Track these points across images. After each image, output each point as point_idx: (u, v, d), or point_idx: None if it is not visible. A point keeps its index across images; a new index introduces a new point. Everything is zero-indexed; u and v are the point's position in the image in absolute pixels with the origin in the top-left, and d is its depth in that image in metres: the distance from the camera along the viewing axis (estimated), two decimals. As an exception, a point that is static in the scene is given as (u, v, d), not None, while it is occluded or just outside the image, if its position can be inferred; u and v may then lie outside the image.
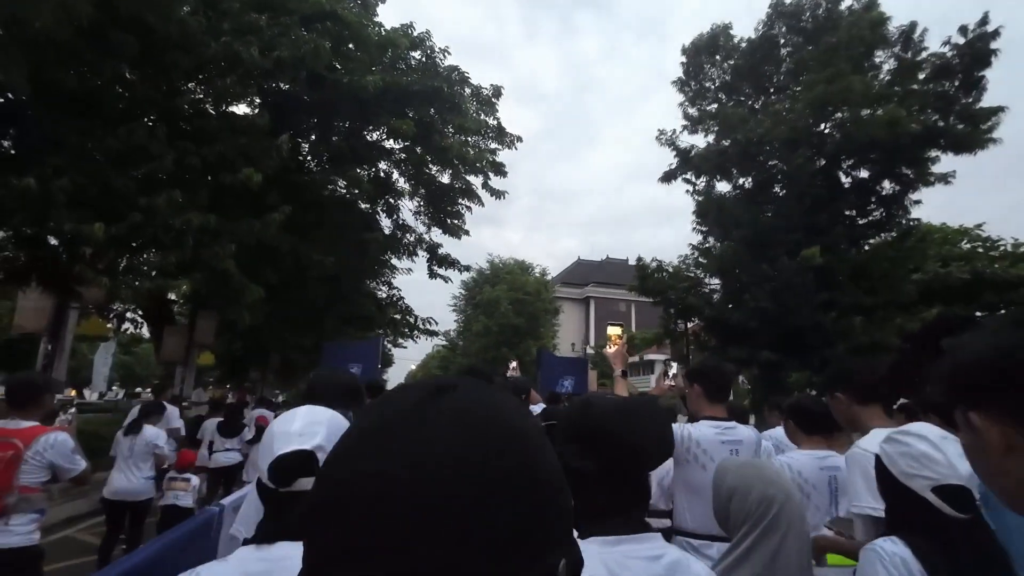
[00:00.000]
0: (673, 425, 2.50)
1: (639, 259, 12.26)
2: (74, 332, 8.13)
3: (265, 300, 12.34)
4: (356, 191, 11.83)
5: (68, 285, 7.38)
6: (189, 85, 7.77)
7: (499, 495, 0.37)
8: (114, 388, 20.89)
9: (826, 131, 10.51)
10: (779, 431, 3.40)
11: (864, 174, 11.00)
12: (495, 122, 13.34)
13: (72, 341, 8.15)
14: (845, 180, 11.08)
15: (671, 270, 12.25)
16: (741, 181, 12.41)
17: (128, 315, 11.60)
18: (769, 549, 1.35)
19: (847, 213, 10.71)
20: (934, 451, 1.23)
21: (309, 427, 1.07)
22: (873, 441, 1.80)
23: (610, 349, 3.47)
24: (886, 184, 10.80)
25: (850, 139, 9.70)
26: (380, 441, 0.39)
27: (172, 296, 13.21)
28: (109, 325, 12.27)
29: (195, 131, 7.36)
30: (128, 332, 12.24)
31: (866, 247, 10.60)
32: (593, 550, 0.96)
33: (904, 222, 10.52)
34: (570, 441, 1.06)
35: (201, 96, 7.87)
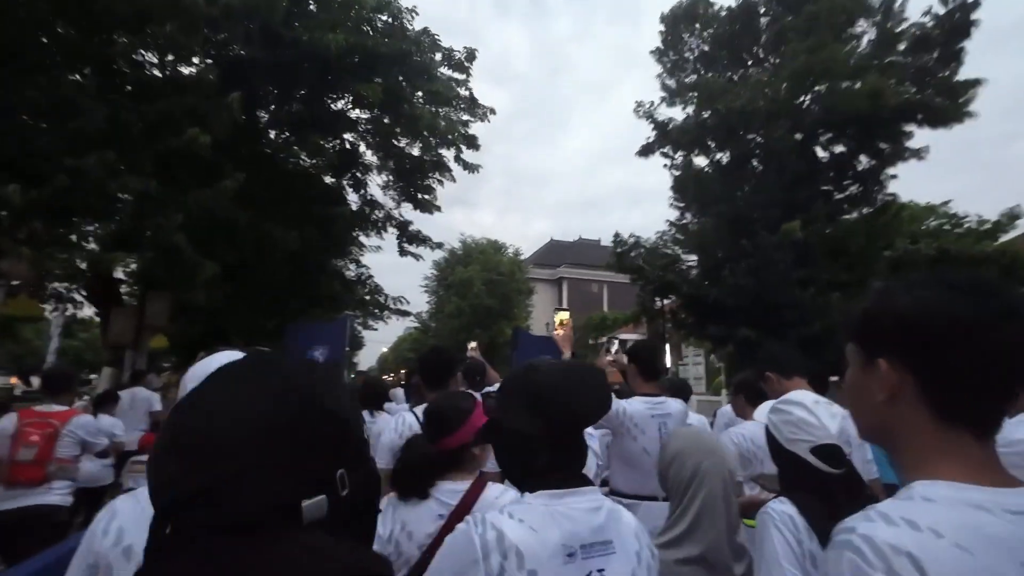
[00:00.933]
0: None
1: (616, 235, 11.96)
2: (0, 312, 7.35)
3: (224, 280, 11.74)
4: (319, 161, 11.11)
5: (-12, 260, 6.60)
6: (124, 39, 6.91)
7: (277, 432, 0.54)
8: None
9: (805, 105, 10.32)
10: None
11: (841, 149, 10.88)
12: (467, 93, 12.75)
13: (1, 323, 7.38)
14: (823, 154, 10.95)
15: (648, 247, 11.99)
16: (719, 156, 12.19)
17: (71, 295, 10.68)
18: (696, 512, 1.50)
19: (824, 188, 10.60)
20: (809, 416, 1.38)
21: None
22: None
23: (558, 333, 3.70)
24: (863, 159, 10.71)
25: (831, 111, 9.50)
26: (197, 401, 0.57)
27: (120, 275, 12.32)
28: (46, 306, 11.29)
29: (133, 86, 6.56)
30: (69, 314, 11.31)
31: (843, 222, 10.51)
32: (540, 503, 1.05)
33: (880, 197, 10.49)
34: (516, 404, 1.11)
35: (140, 49, 7.02)
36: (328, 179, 12.74)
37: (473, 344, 4.98)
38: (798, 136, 10.61)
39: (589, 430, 2.88)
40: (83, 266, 10.74)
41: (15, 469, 3.06)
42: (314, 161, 11.43)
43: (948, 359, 0.64)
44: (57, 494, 3.21)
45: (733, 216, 10.12)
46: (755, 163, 11.00)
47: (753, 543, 1.48)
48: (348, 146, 12.64)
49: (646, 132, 12.51)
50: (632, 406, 2.63)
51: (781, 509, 1.28)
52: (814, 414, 1.39)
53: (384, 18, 10.86)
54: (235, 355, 1.14)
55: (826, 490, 1.30)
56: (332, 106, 11.73)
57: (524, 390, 1.12)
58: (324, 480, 0.54)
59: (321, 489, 0.53)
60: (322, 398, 0.59)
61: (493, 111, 13.33)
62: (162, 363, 14.24)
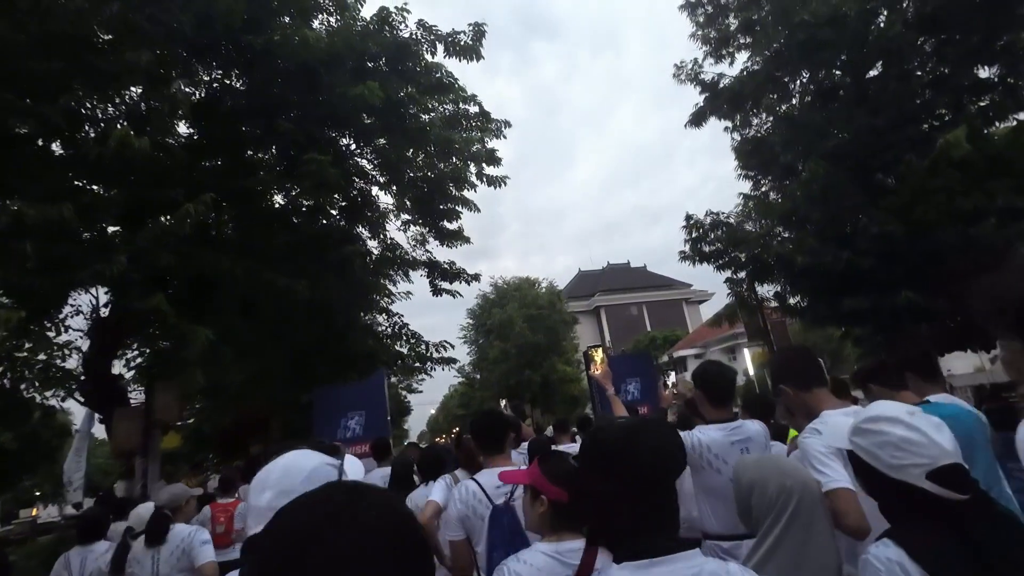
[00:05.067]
0: (682, 433, 2.25)
1: (688, 217, 9.34)
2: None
3: (244, 356, 9.53)
4: (323, 197, 9.02)
5: None
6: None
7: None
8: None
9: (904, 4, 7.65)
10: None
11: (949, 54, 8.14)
12: (476, 109, 10.83)
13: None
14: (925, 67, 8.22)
15: (732, 223, 9.26)
16: (792, 99, 9.57)
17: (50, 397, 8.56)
18: (796, 540, 1.26)
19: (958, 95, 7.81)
20: (912, 433, 1.08)
21: (279, 498, 0.95)
22: (820, 422, 1.76)
23: (595, 371, 3.76)
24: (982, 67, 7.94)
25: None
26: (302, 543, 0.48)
27: (121, 371, 10.31)
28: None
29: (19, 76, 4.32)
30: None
31: (995, 134, 7.59)
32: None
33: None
34: (587, 469, 1.08)
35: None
36: (338, 221, 10.79)
37: (504, 402, 3.97)
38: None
39: None
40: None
41: (215, 539, 3.51)
42: (314, 195, 9.34)
43: None
44: (238, 551, 4.26)
45: (852, 149, 7.36)
46: (850, 80, 8.22)
47: None
48: (356, 180, 10.66)
49: (696, 95, 10.06)
50: (707, 435, 2.35)
51: (886, 556, 1.01)
52: (918, 429, 1.07)
53: (370, 19, 8.98)
54: (295, 467, 1.05)
55: (951, 522, 1.00)
56: (337, 139, 9.77)
57: (593, 452, 1.07)
58: None
59: None
60: (414, 548, 0.54)
61: (508, 124, 11.38)
62: (180, 465, 11.84)
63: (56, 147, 5.31)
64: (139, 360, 10.49)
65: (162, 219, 4.88)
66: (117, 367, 9.92)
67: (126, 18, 4.27)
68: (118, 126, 4.28)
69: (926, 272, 7.10)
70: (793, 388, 1.96)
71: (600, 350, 13.18)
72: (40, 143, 5.09)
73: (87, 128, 4.67)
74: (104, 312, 8.60)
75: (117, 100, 4.58)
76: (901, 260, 7.14)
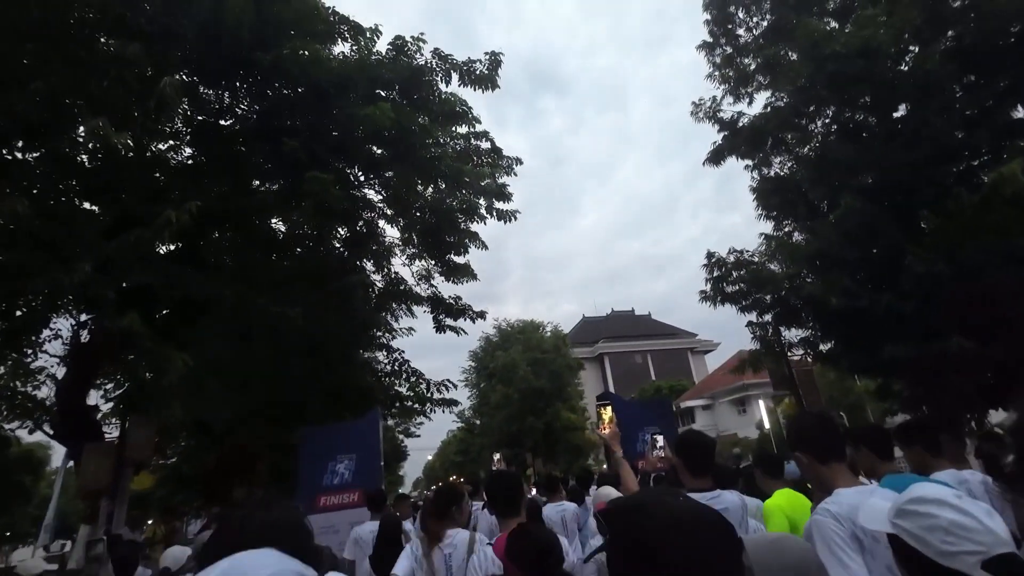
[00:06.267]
0: None
1: (709, 254, 8.76)
2: None
3: (232, 389, 9.03)
4: (322, 215, 8.56)
5: None
6: None
7: None
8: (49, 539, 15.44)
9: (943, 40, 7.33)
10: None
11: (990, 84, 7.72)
12: (488, 144, 10.55)
13: None
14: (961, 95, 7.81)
15: (756, 262, 8.67)
16: (807, 147, 9.22)
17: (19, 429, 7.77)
18: None
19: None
20: (964, 517, 0.99)
21: None
22: (834, 502, 1.67)
23: (604, 431, 3.44)
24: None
25: (992, 20, 6.45)
26: None
27: (98, 402, 9.54)
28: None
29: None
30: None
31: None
32: None
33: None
34: (624, 556, 0.85)
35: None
36: (343, 252, 10.29)
37: (498, 456, 4.21)
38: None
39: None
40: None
41: None
42: (315, 220, 8.86)
43: None
44: None
45: (887, 188, 6.85)
46: (876, 119, 7.83)
47: None
48: (363, 212, 10.23)
49: (714, 133, 9.74)
50: None
51: None
52: (969, 514, 0.98)
53: (385, 49, 8.78)
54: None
55: None
56: (344, 169, 9.39)
57: (633, 539, 0.85)
58: None
59: None
60: None
61: (520, 160, 11.04)
62: (150, 509, 10.77)
63: (35, 155, 4.86)
64: (116, 391, 9.77)
65: (139, 229, 4.31)
66: (93, 398, 9.20)
67: (119, 14, 3.86)
68: (99, 124, 3.76)
69: (977, 318, 6.42)
70: (810, 458, 1.88)
71: (609, 408, 12.10)
72: (20, 144, 4.61)
73: (67, 132, 4.20)
74: (84, 336, 7.97)
75: (99, 89, 4.10)
76: (948, 304, 6.49)
